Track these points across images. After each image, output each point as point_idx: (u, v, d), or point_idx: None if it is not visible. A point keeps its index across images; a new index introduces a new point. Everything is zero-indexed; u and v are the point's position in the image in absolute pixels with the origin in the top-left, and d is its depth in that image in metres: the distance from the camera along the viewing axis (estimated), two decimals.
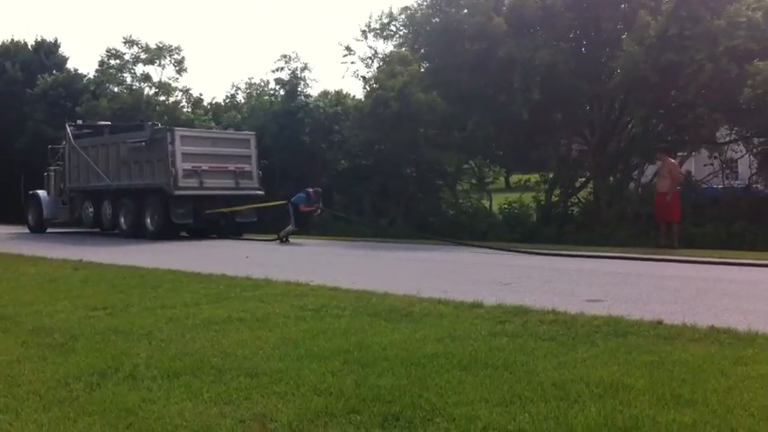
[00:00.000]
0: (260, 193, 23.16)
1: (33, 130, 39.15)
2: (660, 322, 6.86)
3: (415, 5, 24.07)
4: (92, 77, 40.64)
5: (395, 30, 36.20)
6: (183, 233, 23.00)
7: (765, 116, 17.20)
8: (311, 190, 20.87)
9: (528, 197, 23.54)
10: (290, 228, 20.30)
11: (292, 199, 20.65)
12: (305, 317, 7.68)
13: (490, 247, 16.68)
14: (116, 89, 39.05)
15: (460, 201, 26.27)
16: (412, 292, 9.11)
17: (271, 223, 23.42)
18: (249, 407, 4.73)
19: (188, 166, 21.64)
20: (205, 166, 22.00)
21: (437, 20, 21.54)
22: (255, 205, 22.68)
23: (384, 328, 7.02)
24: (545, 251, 15.37)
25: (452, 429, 4.26)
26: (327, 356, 5.88)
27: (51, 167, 27.37)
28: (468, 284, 10.33)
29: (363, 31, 36.34)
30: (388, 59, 29.92)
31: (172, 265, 13.32)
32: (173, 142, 21.49)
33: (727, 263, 12.83)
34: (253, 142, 23.62)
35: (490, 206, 25.44)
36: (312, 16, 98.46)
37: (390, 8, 50.09)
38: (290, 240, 20.02)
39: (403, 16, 34.84)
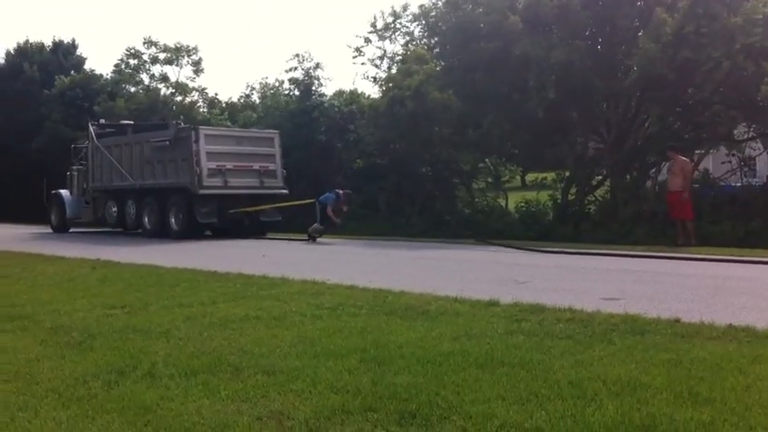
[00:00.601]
0: (284, 191, 23.03)
1: (50, 130, 39.48)
2: (678, 320, 6.83)
3: (431, 4, 24.07)
4: (108, 78, 40.89)
5: (399, 27, 36.21)
6: (207, 232, 22.89)
7: None
8: (341, 192, 20.68)
9: (544, 196, 23.49)
10: (316, 225, 20.20)
11: (320, 198, 20.54)
12: (321, 315, 7.70)
13: (518, 247, 16.61)
14: (132, 89, 39.29)
15: (476, 199, 26.27)
16: (428, 291, 9.11)
17: (299, 222, 23.36)
18: (266, 404, 4.75)
19: (212, 164, 21.51)
20: (229, 165, 21.86)
21: (453, 18, 21.50)
22: (280, 204, 22.56)
23: (400, 326, 7.02)
24: (573, 250, 15.31)
25: (469, 427, 4.25)
26: (344, 355, 5.88)
27: (74, 167, 27.37)
28: (484, 283, 10.31)
29: (368, 34, 36.39)
30: (404, 58, 29.94)
31: (189, 263, 13.38)
32: (197, 141, 21.38)
33: (744, 261, 12.77)
34: (277, 141, 23.47)
35: (506, 205, 25.41)
36: (324, 15, 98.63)
37: (392, 7, 50.13)
38: (318, 240, 19.93)
39: (407, 13, 34.89)
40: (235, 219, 22.16)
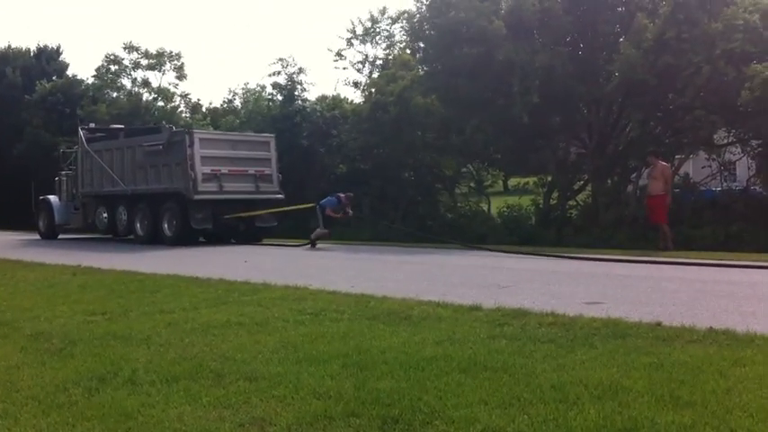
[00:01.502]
0: (280, 196, 22.61)
1: (31, 136, 39.21)
2: (659, 324, 6.86)
3: (414, 9, 24.06)
4: (90, 83, 40.69)
5: (380, 31, 36.34)
6: (201, 238, 22.58)
7: (763, 118, 17.21)
8: (342, 195, 20.34)
9: (526, 200, 23.56)
10: (319, 231, 19.85)
11: (321, 202, 20.19)
12: (304, 321, 7.68)
13: (502, 251, 16.68)
14: (114, 95, 39.12)
15: (459, 204, 26.32)
16: (410, 296, 9.11)
17: (295, 227, 23.14)
18: (248, 411, 4.73)
19: (207, 169, 21.11)
20: (224, 170, 21.49)
21: (436, 23, 21.53)
22: (277, 210, 22.25)
23: (383, 331, 7.02)
24: (571, 254, 15.35)
25: None
26: (326, 360, 5.87)
27: (63, 172, 26.87)
28: (467, 287, 10.32)
29: (348, 38, 36.49)
30: (388, 63, 29.98)
31: (171, 269, 13.32)
32: (191, 145, 20.93)
33: (725, 264, 12.84)
34: (272, 145, 23.07)
35: (489, 209, 25.47)
36: (306, 20, 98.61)
37: (370, 12, 50.29)
38: (318, 245, 19.61)
39: (386, 16, 35.02)
40: (230, 224, 21.82)
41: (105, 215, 24.48)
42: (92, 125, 27.90)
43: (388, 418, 4.48)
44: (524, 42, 19.73)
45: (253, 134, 25.16)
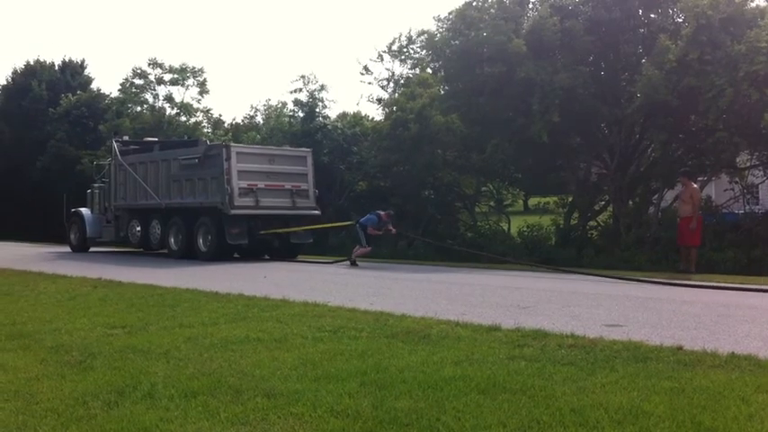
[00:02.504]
0: (317, 212, 22.35)
1: (55, 149, 39.65)
2: (680, 348, 6.80)
3: (435, 28, 24.24)
4: (114, 97, 41.13)
5: (412, 52, 36.50)
6: (235, 254, 22.32)
7: None
8: (383, 213, 19.81)
9: (547, 220, 23.50)
10: (361, 249, 19.43)
11: (361, 220, 19.76)
12: (322, 338, 7.67)
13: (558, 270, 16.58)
14: (138, 109, 39.51)
15: (479, 223, 26.28)
16: (429, 314, 9.09)
17: (324, 243, 22.86)
18: (266, 428, 4.73)
19: (244, 184, 20.75)
20: (261, 185, 21.08)
21: (457, 42, 21.62)
22: (314, 227, 21.94)
23: (401, 350, 7.00)
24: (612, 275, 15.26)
25: None
26: (344, 378, 5.86)
27: (95, 184, 26.75)
28: (487, 307, 10.28)
29: (381, 53, 36.64)
30: (409, 82, 30.11)
31: (190, 284, 13.36)
32: (228, 159, 20.63)
33: (747, 289, 12.71)
34: (309, 160, 22.61)
35: (509, 229, 25.45)
36: (328, 37, 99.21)
37: (410, 30, 50.55)
38: (358, 263, 19.15)
39: (421, 39, 35.13)
40: (264, 240, 21.53)
41: (138, 229, 24.23)
42: (125, 138, 27.80)
43: None
44: (545, 62, 19.76)
45: (290, 148, 24.59)
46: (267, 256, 22.15)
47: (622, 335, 7.50)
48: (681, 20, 20.06)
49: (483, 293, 12.46)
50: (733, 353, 6.52)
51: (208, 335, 7.92)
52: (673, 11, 20.64)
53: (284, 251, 21.83)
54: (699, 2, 18.05)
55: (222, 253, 21.07)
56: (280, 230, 21.36)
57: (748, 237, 18.01)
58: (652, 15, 20.86)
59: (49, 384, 5.96)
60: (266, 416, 4.96)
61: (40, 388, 5.86)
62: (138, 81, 38.98)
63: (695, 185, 17.51)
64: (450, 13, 22.31)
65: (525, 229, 23.39)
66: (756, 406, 4.96)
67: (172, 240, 22.63)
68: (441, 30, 23.52)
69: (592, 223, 22.67)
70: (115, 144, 25.57)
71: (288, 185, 21.71)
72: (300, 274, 17.15)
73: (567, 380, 5.74)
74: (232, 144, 22.38)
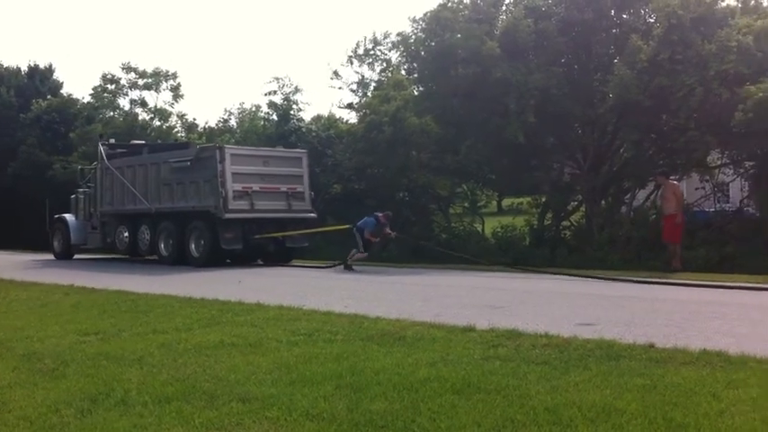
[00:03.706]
0: (313, 215, 21.67)
1: (26, 155, 39.22)
2: (652, 346, 6.86)
3: (409, 30, 24.24)
4: (86, 102, 40.83)
5: (378, 55, 36.64)
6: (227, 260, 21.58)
7: (756, 140, 17.31)
8: (380, 214, 19.22)
9: (520, 221, 23.60)
10: (357, 254, 18.80)
11: (358, 223, 19.04)
12: (297, 341, 7.67)
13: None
14: (110, 114, 39.25)
15: (453, 224, 26.34)
16: (404, 316, 9.10)
17: (330, 247, 22.54)
18: None
19: (238, 186, 20.05)
20: (256, 187, 20.44)
21: (431, 44, 21.66)
22: (310, 230, 21.50)
23: (376, 352, 7.01)
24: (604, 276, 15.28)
25: None
26: (320, 381, 5.86)
27: (80, 190, 25.88)
28: (461, 308, 10.31)
29: (349, 57, 36.76)
30: (381, 84, 30.16)
31: (164, 289, 13.29)
32: (222, 161, 19.91)
33: (718, 286, 12.83)
34: (305, 161, 22.03)
35: (483, 230, 25.51)
36: (302, 40, 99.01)
37: (374, 33, 50.67)
38: (355, 268, 18.48)
39: (388, 40, 35.24)
40: (259, 245, 20.92)
41: (126, 235, 23.40)
42: (111, 140, 26.99)
43: None
44: (519, 63, 19.85)
45: (285, 150, 23.86)
46: (261, 261, 21.68)
47: (595, 334, 7.56)
48: (652, 20, 20.22)
49: (457, 294, 12.50)
50: (704, 349, 6.60)
51: (182, 340, 7.88)
52: (644, 11, 20.81)
53: (279, 256, 21.29)
54: (670, 2, 18.22)
55: (216, 258, 20.43)
56: (275, 234, 20.78)
57: (719, 234, 18.19)
58: (624, 16, 21.01)
59: (21, 392, 5.91)
60: (241, 420, 4.95)
61: (13, 396, 5.80)
62: (110, 86, 38.73)
63: (675, 183, 17.70)
64: (425, 14, 22.36)
65: (499, 229, 23.47)
66: (727, 402, 5.02)
67: (162, 246, 21.91)
68: (415, 31, 23.55)
69: (565, 223, 22.78)
70: (101, 147, 24.68)
71: (283, 188, 21.13)
72: (276, 278, 17.11)
73: (541, 379, 5.78)
74: (226, 145, 21.72)
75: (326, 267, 19.41)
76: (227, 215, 19.78)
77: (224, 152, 20.22)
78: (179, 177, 21.28)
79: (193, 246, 20.88)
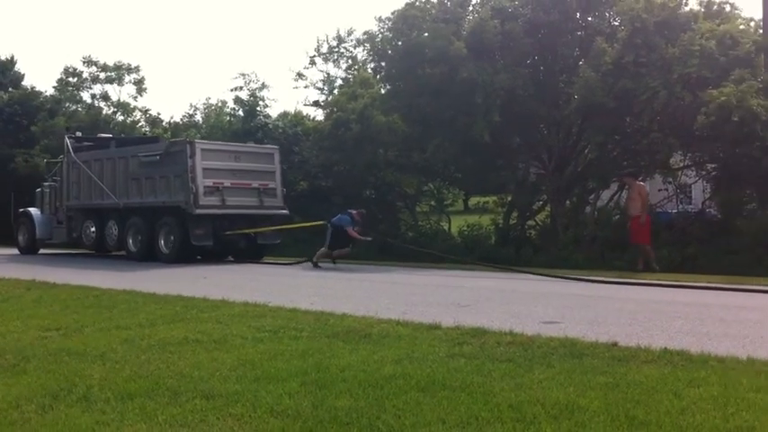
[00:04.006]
0: (285, 212, 21.59)
1: None
2: (615, 344, 6.94)
3: (376, 29, 24.22)
4: (49, 95, 40.29)
5: (343, 52, 36.63)
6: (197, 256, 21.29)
7: (718, 143, 17.57)
8: (354, 212, 19.15)
9: (486, 220, 23.71)
10: (323, 250, 18.70)
11: (332, 220, 18.95)
12: (262, 338, 7.64)
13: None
14: (73, 108, 38.77)
15: (420, 223, 26.39)
16: (370, 314, 9.11)
17: (297, 245, 22.39)
18: (205, 429, 4.69)
19: (209, 182, 19.84)
20: (227, 183, 20.24)
21: (398, 43, 21.66)
22: (283, 227, 21.29)
23: (342, 349, 7.01)
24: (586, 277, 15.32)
25: None
26: (285, 378, 5.85)
27: (45, 183, 25.43)
28: (427, 306, 10.35)
29: (311, 57, 36.78)
30: (348, 82, 30.13)
31: (127, 285, 13.16)
32: (192, 156, 19.63)
33: (681, 285, 13.02)
34: (277, 157, 21.92)
35: (449, 228, 25.59)
36: (269, 36, 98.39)
37: (338, 31, 50.63)
38: (321, 265, 18.42)
39: (352, 37, 35.23)
40: (230, 241, 20.70)
41: (93, 230, 23.05)
42: (78, 134, 26.49)
43: None
44: (486, 63, 19.92)
45: (256, 145, 23.70)
46: (232, 258, 21.49)
47: (559, 332, 7.63)
48: (617, 23, 20.40)
49: (424, 292, 12.54)
50: (666, 348, 6.68)
51: (145, 336, 7.81)
52: (609, 14, 20.98)
53: (251, 252, 21.13)
54: (634, 5, 18.42)
55: (186, 255, 20.16)
56: (246, 231, 20.64)
57: (682, 235, 18.41)
58: (589, 18, 21.17)
59: None
60: (205, 417, 4.92)
61: None
62: (71, 80, 38.25)
63: (642, 184, 17.89)
64: (392, 13, 22.36)
65: (465, 228, 23.55)
66: (688, 400, 5.09)
67: (130, 242, 21.58)
68: (382, 30, 23.53)
69: (530, 223, 22.93)
70: (68, 140, 24.18)
71: (255, 184, 20.97)
72: (242, 275, 17.03)
73: (506, 376, 5.82)
74: (196, 140, 21.46)
75: (293, 264, 19.33)
76: (198, 211, 19.57)
77: (194, 147, 20.00)
78: (148, 172, 20.97)
79: (163, 242, 20.62)
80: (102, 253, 23.68)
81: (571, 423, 4.62)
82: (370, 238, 19.98)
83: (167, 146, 21.07)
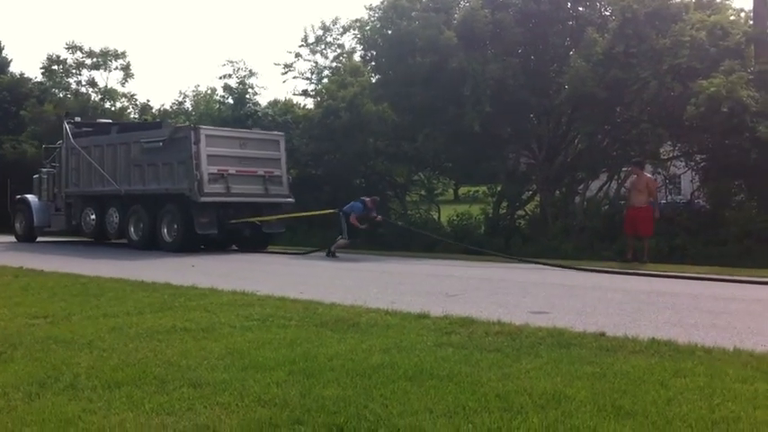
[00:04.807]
0: (290, 200, 21.29)
1: None
2: (603, 334, 6.96)
3: (367, 17, 24.16)
4: (37, 82, 40.08)
5: (330, 42, 36.59)
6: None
7: (707, 134, 17.62)
8: (368, 199, 18.87)
9: (476, 209, 23.73)
10: (341, 240, 18.41)
11: (344, 208, 18.62)
12: (251, 327, 7.63)
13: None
14: (61, 94, 38.60)
15: (409, 212, 26.39)
16: (359, 303, 9.12)
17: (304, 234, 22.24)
18: (192, 418, 4.67)
19: (214, 169, 19.50)
20: (232, 170, 19.91)
21: (389, 32, 21.61)
22: (289, 215, 21.11)
23: (330, 338, 7.01)
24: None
25: None
26: (272, 367, 5.84)
27: (43, 169, 25.10)
28: (416, 295, 10.36)
29: (299, 48, 36.80)
30: (338, 70, 30.06)
31: (115, 273, 13.13)
32: (197, 142, 19.26)
33: (668, 276, 13.07)
34: (282, 144, 21.63)
35: (439, 217, 25.60)
36: (258, 23, 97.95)
37: (322, 21, 50.42)
38: (338, 255, 18.18)
39: (338, 26, 35.17)
40: (235, 229, 20.42)
41: (93, 217, 22.71)
42: (77, 119, 26.20)
43: (334, 425, 4.46)
44: (476, 53, 19.90)
45: (262, 131, 23.40)
46: (236, 247, 21.28)
47: (547, 322, 7.65)
48: (608, 13, 20.42)
49: (413, 282, 12.56)
50: (653, 339, 6.71)
51: (133, 325, 7.79)
52: (600, 4, 21.01)
53: (256, 241, 20.83)
54: None
55: (190, 243, 19.80)
56: (252, 219, 20.32)
57: (670, 226, 18.45)
58: (580, 8, 21.18)
59: None
60: (192, 405, 4.90)
61: None
62: (55, 67, 38.05)
63: (649, 175, 17.73)
64: (382, 2, 22.29)
65: (455, 218, 23.57)
66: (675, 390, 5.11)
67: (132, 230, 21.26)
68: (372, 19, 23.46)
69: (520, 212, 22.97)
70: (67, 126, 23.82)
71: (260, 171, 20.68)
72: (232, 263, 17.02)
73: (493, 366, 5.82)
74: (201, 126, 21.01)
75: (303, 254, 19.16)
76: (203, 199, 19.25)
77: (199, 133, 19.69)
78: (151, 158, 20.65)
79: (166, 230, 20.36)
80: (102, 241, 23.42)
81: (558, 412, 4.63)
82: (380, 218, 19.72)
83: (171, 131, 20.67)
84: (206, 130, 20.46)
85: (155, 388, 5.31)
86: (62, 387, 5.39)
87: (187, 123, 22.37)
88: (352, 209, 18.45)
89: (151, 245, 20.38)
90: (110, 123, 25.20)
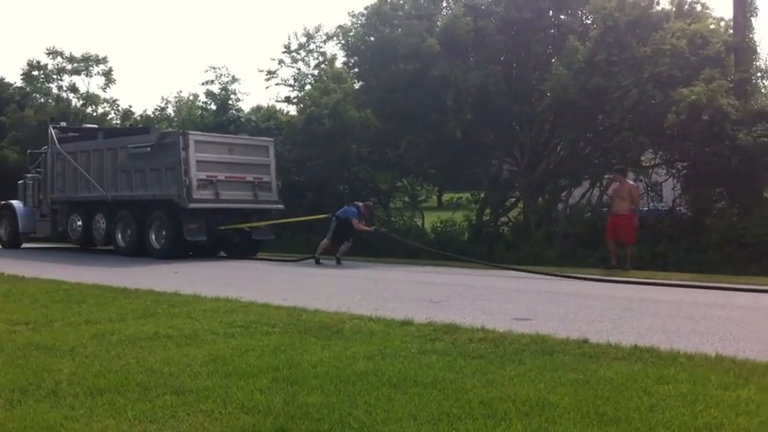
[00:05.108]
0: (280, 207, 21.05)
1: None
2: (586, 341, 6.98)
3: (350, 24, 24.19)
4: (17, 87, 39.86)
5: (313, 49, 36.67)
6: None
7: (688, 141, 17.74)
8: (361, 204, 18.75)
9: (459, 216, 23.77)
10: (343, 246, 18.25)
11: (337, 212, 18.52)
12: (234, 334, 7.60)
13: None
14: (42, 99, 38.41)
15: (393, 218, 26.40)
16: (343, 309, 9.10)
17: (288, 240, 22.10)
18: (174, 425, 4.65)
19: (203, 175, 19.25)
20: (221, 176, 19.67)
21: (372, 39, 21.65)
22: (279, 221, 20.95)
23: (314, 345, 6.99)
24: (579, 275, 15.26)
25: None
26: (256, 374, 5.82)
27: (29, 175, 24.63)
28: (400, 302, 10.36)
29: (282, 55, 36.85)
30: (322, 77, 30.08)
31: (98, 279, 13.04)
32: (186, 148, 19.05)
33: (651, 283, 13.13)
34: (272, 150, 21.46)
35: (422, 224, 25.62)
36: (240, 29, 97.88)
37: (305, 28, 50.50)
38: (322, 261, 18.01)
39: (321, 33, 35.23)
40: (224, 236, 20.16)
41: (79, 223, 22.38)
42: (63, 124, 25.85)
43: None
44: (459, 60, 20.00)
45: (251, 137, 23.10)
46: (224, 254, 21.09)
47: (531, 328, 7.67)
48: (589, 21, 20.56)
49: (397, 288, 12.56)
50: (636, 345, 6.73)
51: (115, 331, 7.74)
52: (582, 12, 21.12)
53: (245, 248, 20.60)
54: (606, 4, 18.58)
55: (178, 250, 19.56)
56: (241, 225, 20.13)
57: (652, 233, 18.55)
58: (562, 16, 21.32)
59: None
60: (175, 413, 4.88)
61: None
62: (35, 72, 37.87)
63: (632, 183, 17.81)
64: (365, 9, 22.36)
65: (438, 224, 23.59)
66: (657, 397, 5.13)
67: (119, 236, 20.98)
68: (355, 25, 23.50)
69: (503, 219, 23.04)
70: (52, 131, 23.48)
71: (249, 177, 20.46)
72: (217, 269, 16.94)
73: (477, 373, 5.83)
74: (190, 132, 20.85)
75: (295, 261, 19.08)
76: (192, 205, 18.99)
77: (188, 138, 19.46)
78: (138, 164, 20.38)
79: (154, 236, 20.07)
80: (88, 248, 23.14)
81: (541, 419, 4.64)
82: (373, 229, 19.76)
83: (159, 137, 20.50)
84: (195, 135, 20.26)
85: (137, 395, 5.28)
86: (44, 394, 5.34)
87: (170, 129, 22.14)
88: (346, 214, 18.33)
89: (139, 251, 20.14)
90: (96, 129, 24.94)
